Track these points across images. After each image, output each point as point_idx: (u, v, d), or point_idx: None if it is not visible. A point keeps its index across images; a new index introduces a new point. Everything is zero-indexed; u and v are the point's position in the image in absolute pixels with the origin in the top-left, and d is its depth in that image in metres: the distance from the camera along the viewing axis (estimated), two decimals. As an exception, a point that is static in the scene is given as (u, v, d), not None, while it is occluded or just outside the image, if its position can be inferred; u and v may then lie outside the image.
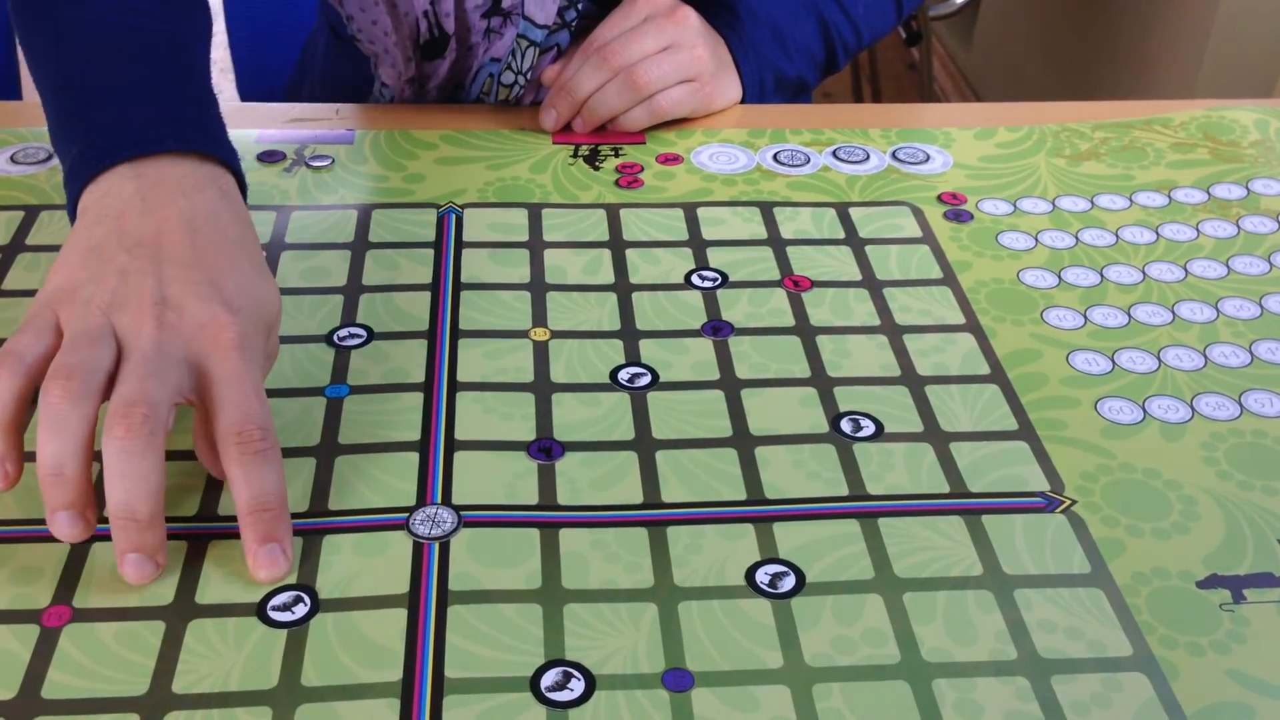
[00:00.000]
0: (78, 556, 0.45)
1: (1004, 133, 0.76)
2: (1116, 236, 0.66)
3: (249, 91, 1.05)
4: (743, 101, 0.77)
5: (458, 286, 0.60)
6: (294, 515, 0.47)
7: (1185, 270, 0.64)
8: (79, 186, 0.51)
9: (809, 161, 0.72)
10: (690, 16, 0.73)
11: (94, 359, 0.44)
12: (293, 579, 0.45)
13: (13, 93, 1.13)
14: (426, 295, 0.60)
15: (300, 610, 0.43)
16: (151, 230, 0.48)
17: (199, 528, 0.46)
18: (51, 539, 0.45)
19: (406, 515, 0.47)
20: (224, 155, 0.53)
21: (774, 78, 0.79)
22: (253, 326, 0.47)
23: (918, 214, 0.68)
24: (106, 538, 0.46)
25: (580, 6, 0.73)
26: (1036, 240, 0.66)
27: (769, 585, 0.45)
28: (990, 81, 2.20)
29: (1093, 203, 0.69)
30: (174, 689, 0.40)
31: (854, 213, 0.68)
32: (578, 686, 0.41)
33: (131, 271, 0.47)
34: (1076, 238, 0.66)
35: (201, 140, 0.53)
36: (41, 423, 0.43)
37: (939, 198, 0.69)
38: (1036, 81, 2.00)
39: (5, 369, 0.44)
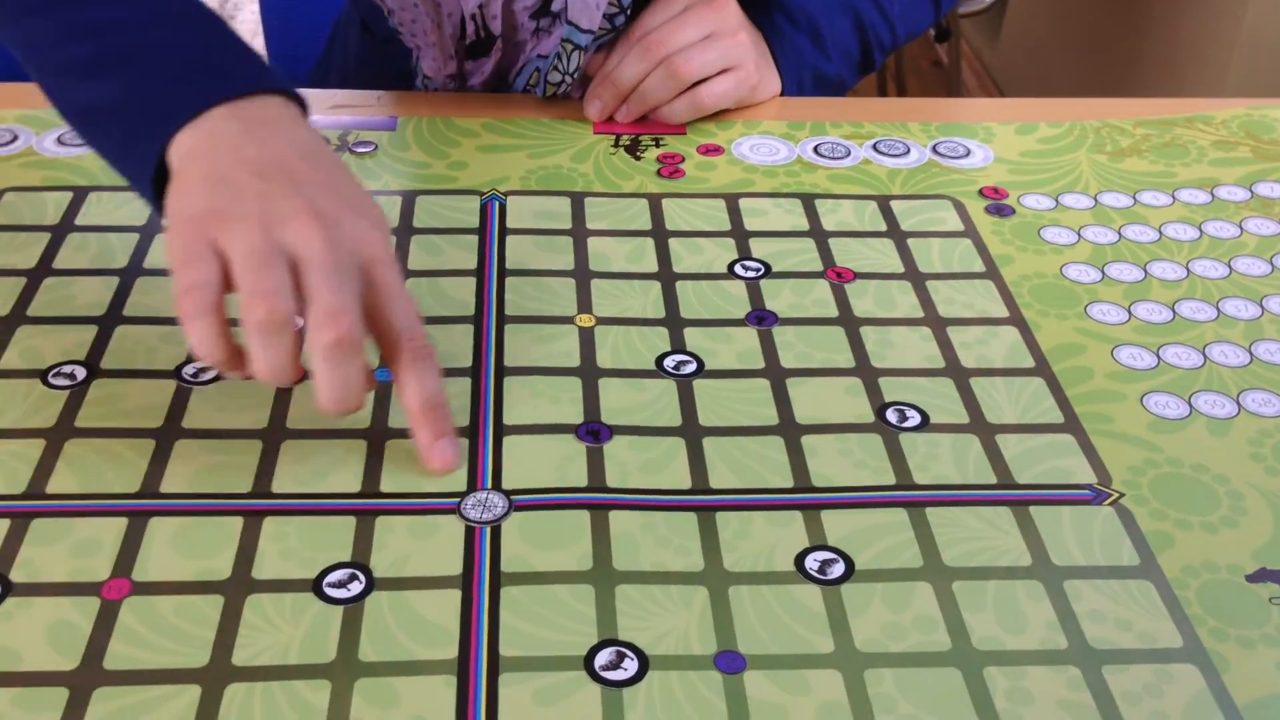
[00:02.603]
0: (135, 531, 0.46)
1: (1045, 128, 0.76)
2: (1159, 233, 0.66)
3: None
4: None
5: (503, 272, 0.61)
6: (345, 495, 0.48)
7: (1229, 267, 0.64)
8: (172, 130, 0.50)
9: (849, 154, 0.72)
10: (730, 4, 0.73)
11: (282, 278, 0.45)
12: (346, 556, 0.45)
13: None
14: (471, 281, 0.60)
15: (356, 588, 0.44)
16: (273, 158, 0.49)
17: (254, 505, 0.47)
18: (108, 514, 0.46)
19: (458, 500, 0.48)
20: (296, 94, 0.54)
21: (813, 77, 0.79)
22: (390, 241, 0.50)
23: (959, 208, 0.68)
24: (164, 512, 0.46)
25: (629, 13, 0.73)
26: (1079, 235, 0.66)
27: (818, 571, 0.45)
28: (1016, 80, 2.20)
29: (1135, 199, 0.69)
30: (234, 661, 0.41)
31: (895, 206, 0.68)
32: (631, 666, 0.41)
33: (274, 193, 0.47)
34: (1119, 233, 0.66)
35: (279, 80, 0.53)
36: (254, 341, 0.45)
37: (980, 192, 0.69)
38: (1063, 80, 1.99)
39: (200, 310, 0.45)
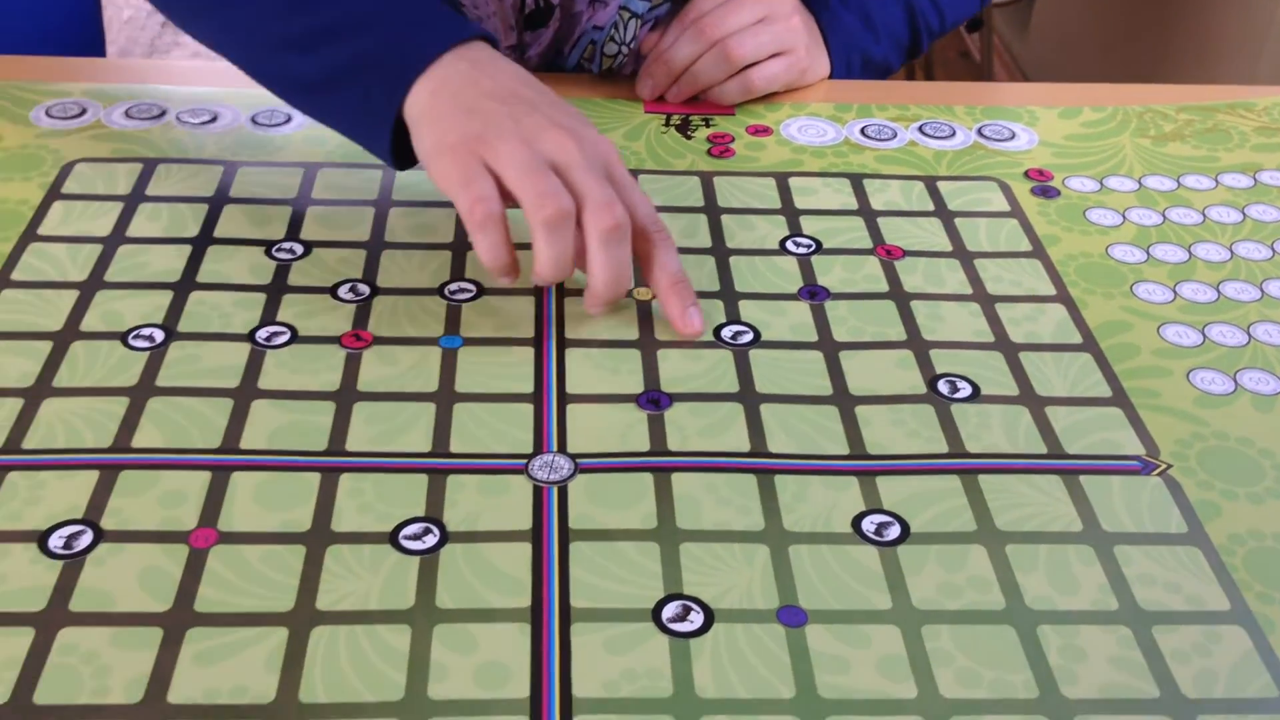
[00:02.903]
0: (219, 484, 0.47)
1: (1088, 113, 0.77)
2: (1204, 215, 0.67)
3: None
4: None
5: (561, 246, 0.62)
6: (417, 454, 0.49)
7: (1273, 249, 0.65)
8: (412, 78, 0.56)
9: (896, 136, 0.74)
10: None
11: (556, 181, 0.53)
12: (420, 511, 0.47)
13: (98, 51, 1.16)
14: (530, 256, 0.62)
15: (430, 540, 0.46)
16: (504, 86, 0.56)
17: (331, 462, 0.49)
18: (192, 468, 0.48)
19: (525, 461, 0.49)
20: (489, 35, 0.60)
21: (861, 60, 0.80)
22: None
23: (1005, 189, 0.69)
24: (245, 467, 0.48)
25: None
26: (1124, 217, 0.67)
27: (875, 533, 0.47)
28: (1045, 70, 2.20)
29: (1179, 182, 0.70)
30: (318, 606, 0.43)
31: (942, 186, 0.69)
32: (697, 619, 0.43)
33: (519, 114, 0.54)
34: (1164, 215, 0.67)
35: (476, 25, 0.60)
36: (542, 238, 0.52)
37: (1025, 174, 0.70)
38: (1092, 72, 1.99)
39: (488, 219, 0.52)
